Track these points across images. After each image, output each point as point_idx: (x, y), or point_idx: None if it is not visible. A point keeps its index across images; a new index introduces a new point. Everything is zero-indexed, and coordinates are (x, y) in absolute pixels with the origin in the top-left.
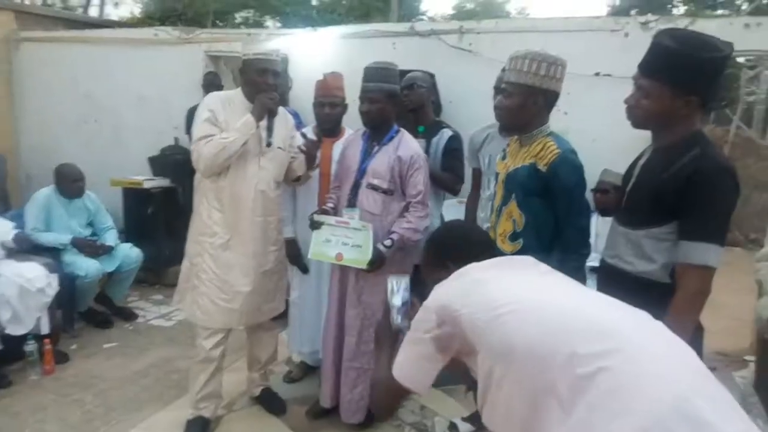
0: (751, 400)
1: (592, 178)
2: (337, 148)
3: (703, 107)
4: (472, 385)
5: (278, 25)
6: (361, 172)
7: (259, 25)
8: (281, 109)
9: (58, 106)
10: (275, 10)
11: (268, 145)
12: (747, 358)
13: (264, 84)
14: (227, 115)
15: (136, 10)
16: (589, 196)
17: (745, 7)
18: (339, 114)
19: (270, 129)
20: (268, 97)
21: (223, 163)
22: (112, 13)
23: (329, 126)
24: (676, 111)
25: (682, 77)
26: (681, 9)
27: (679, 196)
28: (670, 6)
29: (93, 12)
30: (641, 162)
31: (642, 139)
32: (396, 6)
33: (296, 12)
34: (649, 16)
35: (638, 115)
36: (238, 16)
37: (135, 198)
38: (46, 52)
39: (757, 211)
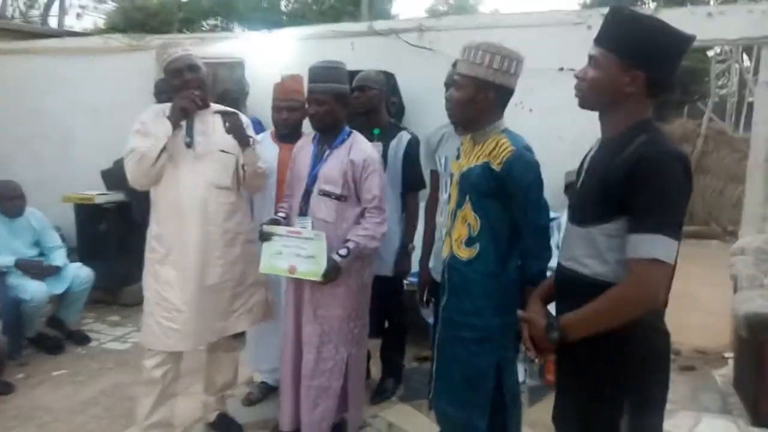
0: (731, 400)
1: (559, 176)
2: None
3: (651, 91)
4: None
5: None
6: (312, 178)
7: (226, 32)
8: (230, 111)
9: (4, 120)
10: (242, 17)
11: (188, 145)
12: (726, 355)
13: (180, 83)
14: (160, 125)
15: (100, 22)
16: (548, 195)
17: (712, 3)
18: (298, 118)
19: (190, 128)
20: (182, 96)
21: (148, 173)
22: (75, 25)
23: (287, 131)
24: (622, 87)
25: (630, 46)
26: (652, 6)
27: (625, 186)
28: (639, 3)
29: (52, 23)
30: (591, 154)
31: None
32: (367, 10)
33: (265, 18)
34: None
35: (584, 89)
36: (206, 24)
37: (87, 214)
38: None
39: (732, 203)
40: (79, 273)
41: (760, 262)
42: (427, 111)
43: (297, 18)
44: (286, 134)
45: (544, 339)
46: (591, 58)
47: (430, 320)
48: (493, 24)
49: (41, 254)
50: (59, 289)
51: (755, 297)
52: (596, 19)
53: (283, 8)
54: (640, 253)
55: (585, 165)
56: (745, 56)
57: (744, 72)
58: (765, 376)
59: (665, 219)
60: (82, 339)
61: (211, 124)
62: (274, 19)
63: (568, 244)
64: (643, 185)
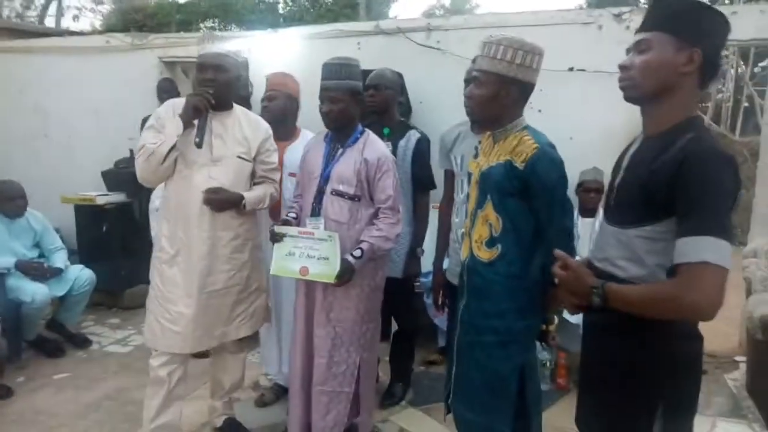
0: (746, 404)
1: (571, 178)
2: (290, 152)
3: (704, 75)
4: None
5: None
6: (325, 177)
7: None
8: (254, 117)
9: (5, 120)
10: (240, 18)
11: (198, 146)
12: (737, 358)
13: (200, 80)
14: (173, 122)
15: (97, 23)
16: (570, 195)
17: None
18: (276, 108)
19: (201, 128)
20: (195, 94)
21: (156, 170)
22: (72, 26)
23: (268, 119)
24: (678, 67)
25: (685, 23)
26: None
27: (671, 186)
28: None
29: (49, 23)
30: (631, 151)
31: (622, 134)
32: (365, 13)
33: (262, 20)
34: (623, 8)
35: (634, 76)
36: (203, 26)
37: (88, 215)
38: None
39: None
40: (81, 275)
41: None
42: (435, 111)
43: (294, 20)
44: (272, 126)
45: (587, 295)
46: (640, 42)
47: (438, 323)
48: (501, 23)
49: (41, 256)
50: (60, 291)
51: None
52: (607, 18)
53: (280, 10)
54: (688, 257)
55: (624, 163)
56: (740, 61)
57: (739, 77)
58: None
59: (716, 220)
60: (82, 342)
61: (230, 128)
62: (271, 21)
63: (602, 245)
64: (689, 185)
